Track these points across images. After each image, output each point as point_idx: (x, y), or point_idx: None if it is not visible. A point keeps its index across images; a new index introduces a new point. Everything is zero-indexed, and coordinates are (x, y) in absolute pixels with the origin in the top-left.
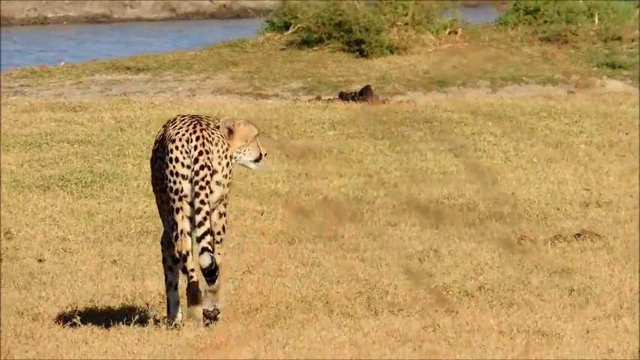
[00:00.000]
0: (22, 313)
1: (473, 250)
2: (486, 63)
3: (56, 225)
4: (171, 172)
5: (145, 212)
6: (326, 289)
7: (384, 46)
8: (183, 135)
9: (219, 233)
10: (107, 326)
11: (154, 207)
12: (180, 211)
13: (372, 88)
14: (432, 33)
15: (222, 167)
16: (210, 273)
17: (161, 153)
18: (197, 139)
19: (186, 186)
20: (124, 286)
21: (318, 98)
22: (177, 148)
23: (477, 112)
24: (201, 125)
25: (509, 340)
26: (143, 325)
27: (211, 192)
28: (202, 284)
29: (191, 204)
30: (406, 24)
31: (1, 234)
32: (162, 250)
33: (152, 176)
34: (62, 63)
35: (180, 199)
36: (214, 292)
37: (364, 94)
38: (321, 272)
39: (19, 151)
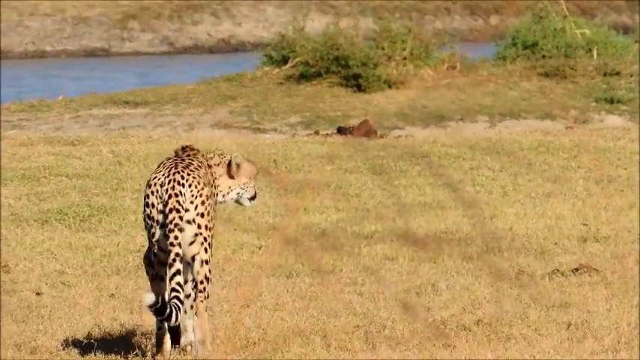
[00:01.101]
0: (20, 347)
1: (470, 285)
2: (485, 98)
3: (54, 258)
4: (147, 217)
5: (143, 246)
6: (323, 323)
7: (382, 80)
8: (159, 179)
9: (201, 282)
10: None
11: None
12: (156, 255)
13: (370, 122)
14: (430, 67)
15: (196, 205)
16: (158, 312)
17: (144, 196)
18: (169, 182)
19: (157, 232)
20: (122, 320)
21: (316, 133)
22: (152, 193)
23: (475, 146)
24: (176, 167)
25: None
26: (142, 358)
27: (181, 231)
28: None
29: (162, 249)
30: (404, 58)
31: None
32: (145, 265)
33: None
34: (60, 97)
35: (154, 244)
36: (203, 342)
37: (362, 128)
38: (318, 306)
39: (18, 185)
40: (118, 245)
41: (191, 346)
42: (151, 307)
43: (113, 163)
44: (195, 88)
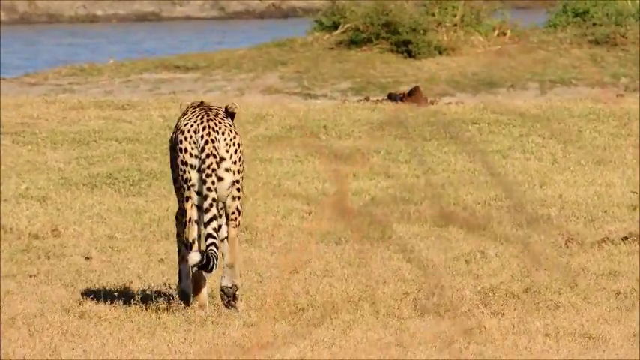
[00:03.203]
0: (69, 311)
1: (520, 252)
2: (535, 65)
3: (104, 223)
4: (181, 162)
5: None
6: (372, 290)
7: (432, 46)
8: (192, 126)
9: (233, 213)
10: (154, 324)
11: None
12: (190, 199)
13: (421, 89)
14: (480, 34)
15: (231, 154)
16: (203, 267)
17: (173, 142)
18: (204, 129)
19: (194, 175)
20: (171, 285)
21: (367, 99)
22: (185, 139)
23: (525, 114)
24: (208, 115)
25: (555, 343)
26: (190, 324)
27: (219, 179)
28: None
29: (199, 192)
30: (455, 25)
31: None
32: (176, 225)
33: (170, 157)
34: (111, 61)
35: (189, 188)
36: (231, 266)
37: (413, 95)
38: (367, 272)
39: (67, 149)
40: (167, 210)
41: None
42: (196, 265)
43: (163, 128)
44: (245, 53)
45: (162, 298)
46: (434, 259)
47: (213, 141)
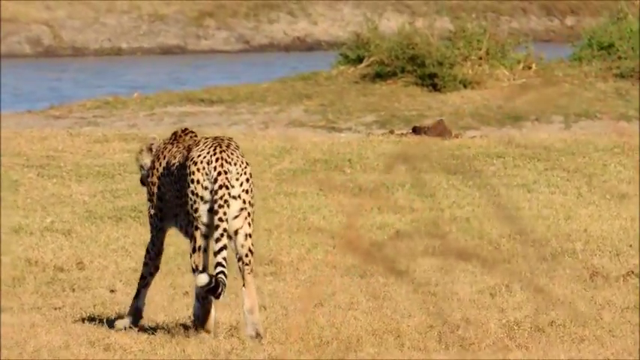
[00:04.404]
0: (94, 343)
1: (544, 286)
2: (560, 98)
3: (128, 256)
4: (192, 192)
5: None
6: (397, 323)
7: (458, 80)
8: (205, 157)
9: (246, 255)
10: (179, 357)
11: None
12: (199, 228)
13: (445, 122)
14: (505, 68)
15: (242, 182)
16: (211, 291)
17: (181, 171)
18: (217, 160)
19: (202, 207)
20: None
21: (391, 132)
22: (198, 170)
23: (550, 147)
24: (221, 147)
25: None
26: (215, 357)
27: (228, 207)
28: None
29: (208, 224)
30: (480, 58)
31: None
32: (146, 257)
33: (157, 185)
34: (136, 94)
35: (196, 219)
36: (252, 312)
37: (437, 128)
38: (392, 306)
39: (92, 182)
40: None
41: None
42: (204, 287)
43: None
44: (270, 87)
45: (186, 331)
46: (458, 293)
47: (226, 172)
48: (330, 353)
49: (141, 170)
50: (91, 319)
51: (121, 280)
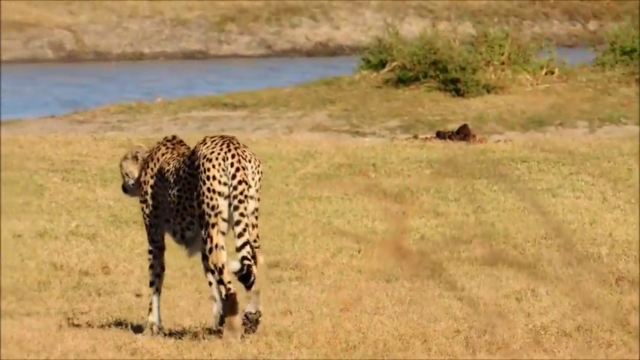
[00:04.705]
0: (121, 348)
1: (571, 290)
2: (583, 103)
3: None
4: (208, 190)
5: None
6: (424, 328)
7: (481, 85)
8: (219, 154)
9: (255, 241)
10: None
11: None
12: (216, 226)
13: (469, 127)
14: (528, 73)
15: (255, 182)
16: (243, 278)
17: (190, 170)
18: (233, 156)
19: (222, 202)
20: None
21: (415, 137)
22: (214, 166)
23: (574, 152)
24: (233, 144)
25: None
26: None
27: (248, 202)
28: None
29: (228, 220)
30: (502, 63)
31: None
32: (150, 259)
33: (151, 185)
34: (159, 99)
35: (215, 215)
36: (257, 293)
37: (461, 133)
38: (418, 310)
39: (117, 186)
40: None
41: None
42: (237, 273)
43: None
44: (293, 91)
45: (213, 335)
46: (485, 297)
47: (244, 168)
48: (357, 358)
49: (124, 178)
50: (118, 324)
51: (146, 285)
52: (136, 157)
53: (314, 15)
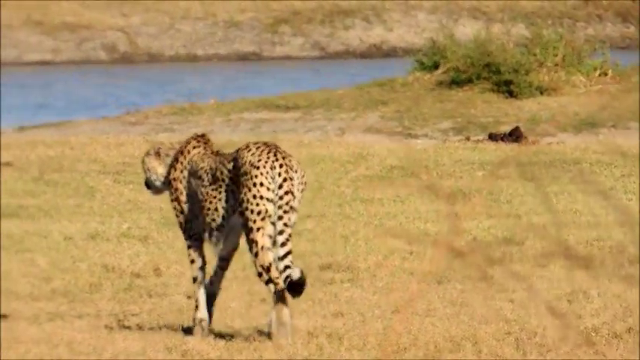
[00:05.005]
0: (171, 350)
1: (622, 292)
2: (637, 105)
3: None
4: (254, 196)
5: (294, 251)
6: (474, 330)
7: (534, 86)
8: (267, 162)
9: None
10: None
11: (302, 245)
12: (261, 229)
13: (522, 129)
14: (582, 74)
15: (299, 193)
16: (298, 287)
17: (232, 174)
18: (281, 166)
19: (270, 207)
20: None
21: (468, 139)
22: (261, 173)
23: (627, 153)
24: (280, 153)
25: None
26: None
27: (293, 213)
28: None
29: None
30: (556, 65)
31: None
32: (190, 254)
33: (190, 182)
34: (212, 100)
35: (262, 219)
36: (287, 326)
37: (514, 135)
38: (469, 312)
39: None
40: None
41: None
42: (297, 281)
43: None
44: (346, 93)
45: (264, 337)
46: (535, 299)
47: (291, 179)
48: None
49: (146, 173)
50: (168, 326)
51: None
52: (158, 154)
53: (367, 17)
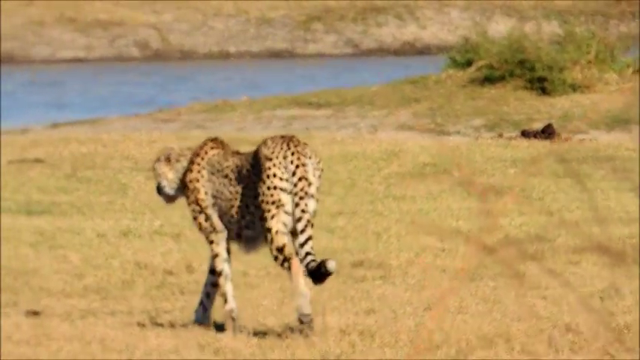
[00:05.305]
0: (204, 347)
1: None
2: None
3: (237, 259)
4: (268, 188)
5: (325, 248)
6: (507, 327)
7: (567, 84)
8: (279, 152)
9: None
10: None
11: (336, 242)
12: (275, 216)
13: (554, 126)
14: (614, 72)
15: (316, 179)
16: (323, 276)
17: (254, 170)
18: (292, 154)
19: (284, 197)
20: (303, 321)
21: (500, 136)
22: (274, 165)
23: None
24: (293, 142)
25: None
26: None
27: (309, 198)
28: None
29: (289, 213)
30: (589, 62)
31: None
32: (213, 249)
33: (212, 182)
34: (244, 98)
35: (277, 207)
36: (305, 296)
37: (546, 132)
38: (502, 309)
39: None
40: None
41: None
42: (327, 271)
43: None
44: (379, 90)
45: (297, 335)
46: (568, 296)
47: (304, 165)
48: (440, 357)
49: (157, 179)
50: (201, 323)
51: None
52: (168, 159)
53: (400, 14)
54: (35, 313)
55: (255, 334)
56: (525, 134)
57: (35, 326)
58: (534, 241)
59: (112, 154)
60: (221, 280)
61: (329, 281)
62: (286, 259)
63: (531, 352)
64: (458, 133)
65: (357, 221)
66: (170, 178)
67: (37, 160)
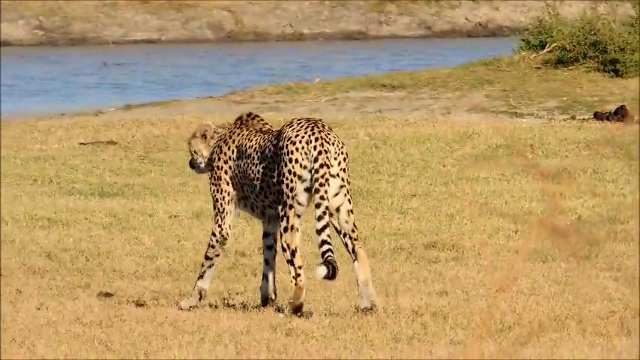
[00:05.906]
0: (276, 328)
1: None
2: None
3: (310, 241)
4: (289, 172)
5: (398, 229)
6: (579, 308)
7: None
8: (303, 137)
9: (353, 231)
10: (360, 342)
11: (409, 224)
12: (293, 207)
13: (627, 107)
14: None
15: (340, 161)
16: (330, 278)
17: (276, 149)
18: (316, 139)
19: (299, 186)
20: (377, 303)
21: (573, 118)
22: (297, 149)
23: None
24: (318, 127)
25: None
26: (396, 342)
27: (329, 185)
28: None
29: (303, 204)
30: None
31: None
32: (212, 240)
33: (225, 170)
34: (317, 79)
35: (292, 198)
36: (366, 284)
37: (619, 113)
38: (574, 291)
39: None
40: (373, 229)
41: (274, 295)
42: (325, 278)
43: (369, 147)
44: (452, 72)
45: (369, 316)
46: None
47: (326, 151)
48: (512, 338)
49: (192, 155)
50: (272, 304)
51: (302, 265)
52: (204, 136)
53: None
54: (108, 295)
55: (327, 315)
56: (598, 116)
57: (107, 308)
58: (607, 223)
59: (185, 136)
60: (207, 263)
61: (402, 264)
62: (293, 265)
63: (603, 333)
64: (531, 115)
65: (430, 203)
66: (205, 155)
67: (110, 142)
